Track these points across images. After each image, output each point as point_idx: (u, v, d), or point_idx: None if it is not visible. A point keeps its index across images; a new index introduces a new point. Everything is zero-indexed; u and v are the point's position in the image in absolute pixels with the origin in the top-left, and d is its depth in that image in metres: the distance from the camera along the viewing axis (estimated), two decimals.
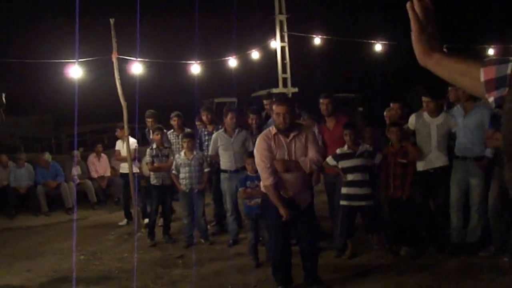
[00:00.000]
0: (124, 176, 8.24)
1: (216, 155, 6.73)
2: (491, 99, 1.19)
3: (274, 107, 4.58)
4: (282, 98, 4.97)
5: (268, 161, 4.47)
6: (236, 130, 6.60)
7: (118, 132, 8.48)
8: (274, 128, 4.58)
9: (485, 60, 1.22)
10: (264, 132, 4.74)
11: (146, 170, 7.65)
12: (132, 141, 8.15)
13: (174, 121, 7.73)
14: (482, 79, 1.19)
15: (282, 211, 4.43)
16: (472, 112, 5.40)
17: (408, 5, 1.36)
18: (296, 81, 14.34)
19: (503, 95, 1.14)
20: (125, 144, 8.17)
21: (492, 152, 5.24)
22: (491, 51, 14.48)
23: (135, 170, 7.95)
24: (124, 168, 8.32)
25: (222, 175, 6.68)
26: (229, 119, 6.61)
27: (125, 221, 8.42)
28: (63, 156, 12.09)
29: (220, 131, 6.75)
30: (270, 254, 4.87)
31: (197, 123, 8.08)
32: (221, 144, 6.61)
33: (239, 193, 5.90)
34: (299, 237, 4.76)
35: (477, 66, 1.22)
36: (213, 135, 6.80)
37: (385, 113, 6.91)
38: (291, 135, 4.54)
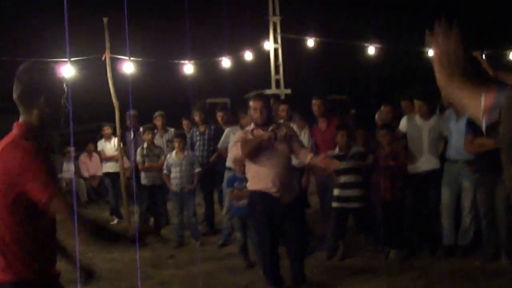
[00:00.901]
0: (109, 175, 8.39)
1: (225, 150, 6.56)
2: (483, 123, 1.27)
3: (251, 103, 4.68)
4: (258, 95, 5.03)
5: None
6: None
7: (105, 131, 8.52)
8: (252, 125, 4.67)
9: (489, 86, 1.29)
10: (243, 131, 4.83)
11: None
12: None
13: (158, 121, 7.74)
14: (482, 105, 1.27)
15: (260, 137, 4.47)
16: (463, 116, 5.41)
17: (434, 36, 1.40)
18: (289, 82, 14.35)
19: (493, 121, 1.23)
20: (107, 144, 8.47)
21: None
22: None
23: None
24: (108, 167, 8.43)
25: (227, 173, 6.49)
26: (248, 117, 6.49)
27: (116, 220, 8.41)
28: (54, 156, 12.01)
29: (236, 127, 6.59)
30: (258, 253, 4.85)
31: (184, 122, 8.00)
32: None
33: (227, 193, 5.89)
34: (287, 236, 4.71)
35: (480, 94, 1.29)
36: (227, 130, 6.63)
37: (376, 115, 6.91)
38: (270, 128, 4.58)
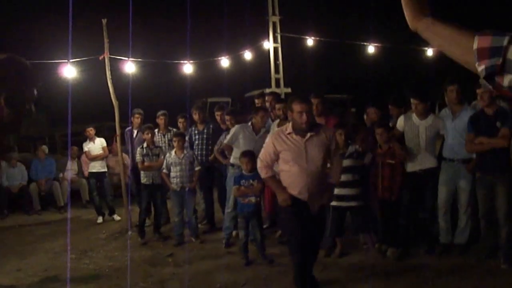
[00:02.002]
0: (94, 175, 8.77)
1: (230, 147, 6.56)
2: (481, 68, 1.15)
3: (294, 105, 4.30)
4: (301, 96, 4.63)
5: (269, 158, 4.40)
6: (263, 130, 6.49)
7: (89, 132, 8.82)
8: (289, 127, 4.39)
9: (481, 31, 1.19)
10: (278, 130, 4.62)
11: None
12: (102, 140, 8.83)
13: (161, 120, 7.81)
14: (476, 46, 1.16)
15: (281, 197, 4.33)
16: (460, 115, 5.45)
17: None
18: (289, 81, 14.38)
19: (496, 64, 1.12)
20: (91, 144, 8.79)
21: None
22: None
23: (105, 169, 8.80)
24: (94, 167, 8.77)
25: (231, 170, 6.47)
26: (259, 116, 6.47)
27: (100, 218, 8.67)
28: (56, 156, 12.08)
29: (246, 124, 6.55)
30: (293, 266, 4.58)
31: (180, 120, 8.04)
32: (243, 137, 6.38)
33: (233, 190, 5.92)
34: (309, 240, 4.47)
35: (471, 34, 1.19)
36: (236, 127, 6.53)
37: (364, 116, 6.92)
38: (308, 134, 4.33)
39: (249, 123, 6.56)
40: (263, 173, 4.49)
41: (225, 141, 6.62)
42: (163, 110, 7.94)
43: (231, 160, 6.53)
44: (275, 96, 7.38)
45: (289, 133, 4.36)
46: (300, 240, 4.34)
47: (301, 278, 4.48)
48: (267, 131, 6.53)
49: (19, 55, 1.95)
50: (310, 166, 4.30)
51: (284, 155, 4.35)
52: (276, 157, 4.39)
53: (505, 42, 1.11)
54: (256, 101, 7.62)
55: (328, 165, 4.57)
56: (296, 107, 4.28)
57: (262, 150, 4.55)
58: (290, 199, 4.32)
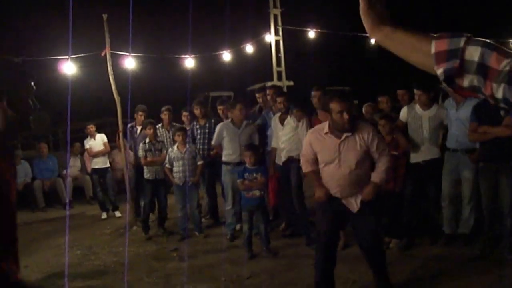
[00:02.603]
0: (97, 171, 8.85)
1: (219, 146, 6.65)
2: (440, 71, 1.15)
3: (332, 105, 4.02)
4: (339, 94, 4.26)
5: (309, 155, 4.27)
6: (244, 123, 6.53)
7: (89, 129, 8.91)
8: (326, 127, 4.17)
9: (437, 34, 1.19)
10: (317, 128, 4.40)
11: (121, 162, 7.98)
12: (102, 136, 8.91)
13: (164, 115, 7.83)
14: (433, 50, 1.16)
15: (317, 193, 4.24)
16: (463, 105, 5.42)
17: None
18: (291, 74, 14.36)
19: (454, 66, 1.12)
20: (92, 141, 8.84)
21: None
22: None
23: (107, 164, 8.87)
24: (96, 163, 8.85)
25: (224, 167, 6.56)
26: (237, 110, 6.50)
27: (104, 214, 8.73)
28: (60, 153, 12.11)
29: (227, 121, 6.64)
30: (315, 272, 4.39)
31: (184, 113, 8.07)
32: (227, 135, 6.47)
33: (238, 184, 5.92)
34: (359, 238, 4.36)
35: (428, 39, 1.19)
36: (219, 125, 6.66)
37: (363, 109, 6.87)
38: (344, 136, 4.07)
39: (230, 119, 6.61)
40: (304, 167, 4.42)
41: (213, 142, 6.74)
42: (167, 106, 7.94)
43: (223, 158, 6.58)
44: (276, 89, 7.36)
45: (325, 133, 4.16)
46: (325, 240, 4.22)
47: (324, 280, 4.32)
48: (253, 124, 6.67)
49: (9, 54, 1.95)
50: (343, 169, 4.09)
51: (319, 156, 4.22)
52: (315, 156, 4.26)
53: (461, 43, 1.12)
54: (257, 95, 7.60)
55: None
56: (336, 106, 4.00)
57: (303, 146, 4.46)
58: (326, 196, 4.19)
